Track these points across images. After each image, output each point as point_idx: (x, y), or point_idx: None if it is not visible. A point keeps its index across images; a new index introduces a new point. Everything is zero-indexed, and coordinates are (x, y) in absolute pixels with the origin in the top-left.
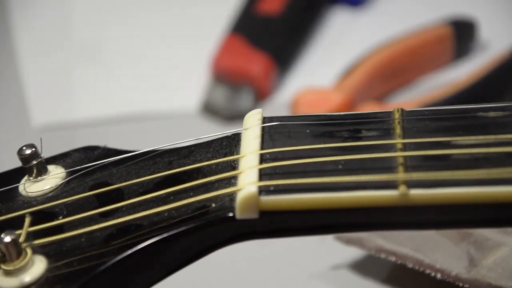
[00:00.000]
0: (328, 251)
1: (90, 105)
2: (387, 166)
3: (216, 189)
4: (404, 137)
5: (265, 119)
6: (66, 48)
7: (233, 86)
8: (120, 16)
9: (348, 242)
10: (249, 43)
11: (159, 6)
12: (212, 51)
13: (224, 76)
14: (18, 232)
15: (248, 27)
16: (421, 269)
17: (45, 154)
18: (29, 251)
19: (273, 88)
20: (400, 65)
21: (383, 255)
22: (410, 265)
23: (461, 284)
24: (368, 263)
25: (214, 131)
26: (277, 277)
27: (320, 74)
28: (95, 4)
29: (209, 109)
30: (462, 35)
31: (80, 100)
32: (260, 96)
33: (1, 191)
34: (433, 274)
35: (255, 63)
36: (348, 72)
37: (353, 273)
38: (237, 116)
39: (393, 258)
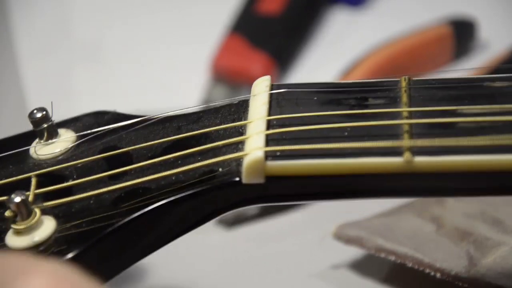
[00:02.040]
0: (328, 250)
1: (90, 105)
2: (392, 133)
3: (224, 154)
4: (410, 105)
5: (273, 86)
6: (66, 48)
7: (233, 85)
8: (120, 16)
9: (348, 241)
10: (249, 43)
11: (159, 6)
12: (212, 51)
13: (224, 75)
14: (28, 193)
15: (248, 27)
16: (421, 269)
17: None
18: (38, 211)
19: None
20: (400, 65)
21: (382, 255)
22: (409, 265)
23: (460, 284)
24: (367, 262)
25: None
26: (277, 277)
27: (320, 73)
28: (95, 4)
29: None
30: (462, 35)
31: (80, 99)
32: None
33: (12, 153)
34: (432, 273)
35: (255, 63)
36: (348, 72)
37: (353, 272)
38: None
39: (392, 258)
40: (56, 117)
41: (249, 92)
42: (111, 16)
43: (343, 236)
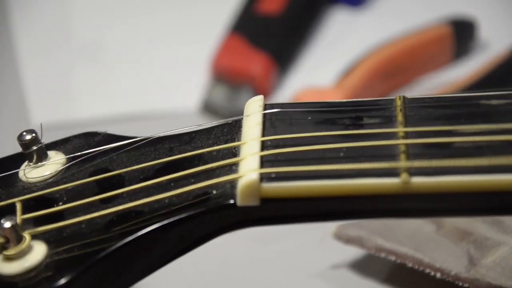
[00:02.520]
0: (328, 250)
1: (90, 105)
2: (389, 153)
3: (217, 176)
4: (406, 125)
5: (266, 106)
6: (66, 48)
7: (233, 85)
8: (120, 16)
9: (348, 241)
10: (249, 43)
11: (159, 6)
12: (212, 51)
13: (224, 75)
14: (23, 216)
15: (248, 27)
16: (421, 269)
17: None
18: (28, 236)
19: (273, 87)
20: (400, 64)
21: (382, 255)
22: (409, 265)
23: (460, 283)
24: (367, 262)
25: None
26: (277, 277)
27: (320, 73)
28: (95, 4)
29: (209, 109)
30: (462, 35)
31: (80, 100)
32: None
33: (1, 176)
34: (432, 273)
35: (255, 62)
36: (348, 72)
37: (353, 272)
38: (237, 115)
39: (392, 258)
40: (56, 116)
41: (249, 92)
42: (111, 16)
43: (343, 236)
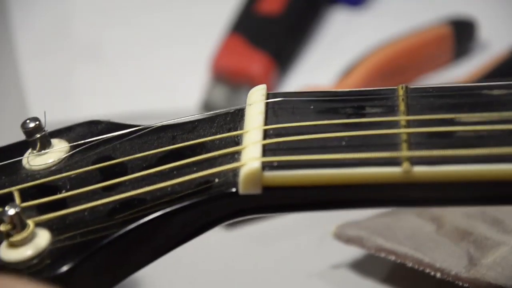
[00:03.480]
0: (328, 250)
1: (90, 104)
2: (390, 142)
3: (220, 164)
4: (408, 114)
5: (269, 95)
6: (66, 48)
7: (233, 85)
8: (120, 16)
9: (348, 241)
10: (249, 43)
11: (159, 6)
12: (212, 51)
13: (224, 75)
14: (22, 204)
15: (248, 27)
16: (421, 268)
17: None
18: (31, 224)
19: (273, 87)
20: (400, 64)
21: (382, 254)
22: (409, 264)
23: (460, 283)
24: (367, 262)
25: None
26: (277, 277)
27: (320, 73)
28: (95, 4)
29: (209, 109)
30: (462, 35)
31: (80, 100)
32: None
33: (4, 164)
34: (432, 273)
35: (255, 62)
36: (348, 72)
37: (353, 272)
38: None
39: (392, 257)
40: (56, 116)
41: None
42: (111, 16)
43: (343, 236)
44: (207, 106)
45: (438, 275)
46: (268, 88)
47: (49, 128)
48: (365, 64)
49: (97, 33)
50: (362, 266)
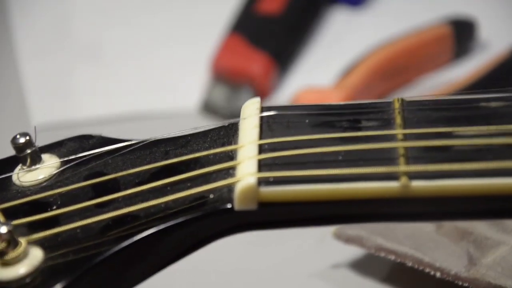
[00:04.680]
0: (328, 250)
1: (90, 104)
2: (387, 157)
3: (214, 180)
4: (404, 127)
5: (263, 109)
6: (66, 48)
7: (233, 85)
8: (120, 16)
9: (348, 241)
10: (249, 43)
11: (159, 6)
12: (212, 51)
13: (224, 75)
14: (14, 222)
15: (248, 27)
16: (421, 268)
17: None
18: (23, 242)
19: (273, 87)
20: (400, 64)
21: (382, 254)
22: (409, 264)
23: (460, 283)
24: (367, 262)
25: None
26: (277, 277)
27: (320, 73)
28: (95, 4)
29: (209, 109)
30: (462, 35)
31: (80, 99)
32: (260, 95)
33: None
34: (432, 272)
35: (255, 62)
36: (348, 72)
37: (353, 272)
38: (237, 116)
39: (392, 257)
40: (56, 116)
41: (249, 92)
42: (111, 16)
43: (343, 236)
44: (207, 106)
45: (438, 274)
46: (268, 88)
47: (48, 130)
48: (365, 64)
49: (97, 33)
50: (362, 266)
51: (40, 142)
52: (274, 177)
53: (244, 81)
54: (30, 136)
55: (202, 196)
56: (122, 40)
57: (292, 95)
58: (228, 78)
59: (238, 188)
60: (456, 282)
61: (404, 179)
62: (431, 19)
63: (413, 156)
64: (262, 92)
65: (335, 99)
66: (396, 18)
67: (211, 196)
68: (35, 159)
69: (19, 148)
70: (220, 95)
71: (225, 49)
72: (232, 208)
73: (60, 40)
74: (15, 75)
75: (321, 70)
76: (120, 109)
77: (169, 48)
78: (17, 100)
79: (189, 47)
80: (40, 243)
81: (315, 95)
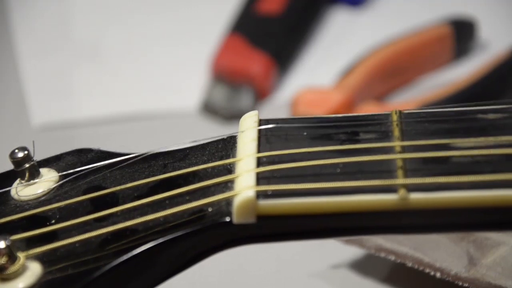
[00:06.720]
0: (328, 250)
1: (90, 104)
2: (386, 169)
3: (213, 194)
4: (402, 140)
5: (261, 121)
6: (66, 48)
7: (233, 85)
8: (120, 16)
9: (348, 241)
10: (249, 43)
11: (159, 6)
12: (212, 51)
13: (224, 75)
14: (12, 237)
15: (248, 27)
16: (421, 268)
17: (45, 154)
18: (22, 256)
19: (273, 87)
20: (400, 64)
21: (382, 254)
22: (409, 264)
23: (460, 283)
24: (367, 262)
25: (214, 130)
26: (277, 277)
27: (320, 73)
28: (95, 4)
29: (209, 109)
30: (462, 35)
31: (80, 100)
32: (260, 95)
33: None
34: (432, 273)
35: (255, 63)
36: (348, 72)
37: (353, 272)
38: (237, 116)
39: (392, 257)
40: (56, 116)
41: (249, 92)
42: (111, 16)
43: None
44: (207, 106)
45: (438, 275)
46: (268, 88)
47: (48, 130)
48: (365, 64)
49: (97, 33)
50: (362, 266)
51: (40, 142)
52: (272, 190)
53: (244, 81)
54: (28, 150)
55: (200, 209)
56: (122, 40)
57: (292, 96)
58: (228, 78)
59: (237, 202)
60: (456, 282)
61: (402, 192)
62: (431, 19)
63: (412, 168)
64: (262, 92)
65: (335, 100)
66: (396, 18)
67: (210, 209)
68: (34, 173)
69: (18, 162)
70: (220, 95)
71: (225, 49)
72: (230, 221)
73: (60, 40)
74: (15, 75)
75: (321, 70)
76: (120, 109)
77: (169, 48)
78: (17, 100)
79: (189, 47)
80: (39, 257)
81: (315, 95)
